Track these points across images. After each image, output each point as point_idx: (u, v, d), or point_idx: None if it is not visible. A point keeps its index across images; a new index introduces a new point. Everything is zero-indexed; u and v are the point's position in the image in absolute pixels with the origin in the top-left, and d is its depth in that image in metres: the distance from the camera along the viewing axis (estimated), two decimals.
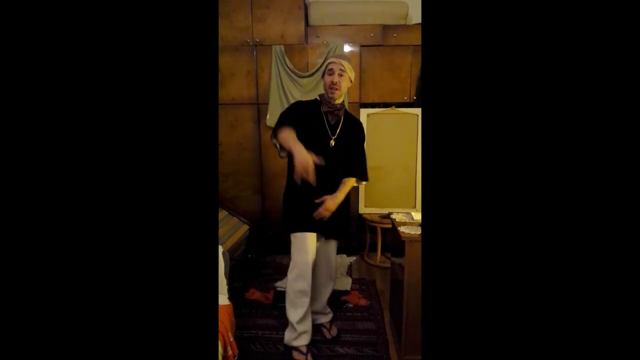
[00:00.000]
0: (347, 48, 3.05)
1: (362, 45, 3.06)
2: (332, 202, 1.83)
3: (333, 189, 1.86)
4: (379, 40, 3.06)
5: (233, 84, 3.12)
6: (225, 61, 3.07)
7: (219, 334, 1.58)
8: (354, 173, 1.95)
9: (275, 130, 1.82)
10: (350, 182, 1.93)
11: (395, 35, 3.06)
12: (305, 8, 3.09)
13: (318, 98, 1.91)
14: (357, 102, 3.11)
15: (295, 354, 1.96)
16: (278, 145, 1.86)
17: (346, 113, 1.96)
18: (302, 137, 1.71)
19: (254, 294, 2.61)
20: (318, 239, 1.96)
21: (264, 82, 3.11)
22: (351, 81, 1.87)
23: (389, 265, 2.77)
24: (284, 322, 2.22)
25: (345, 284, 2.75)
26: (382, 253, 3.15)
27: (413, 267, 1.83)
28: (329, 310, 2.20)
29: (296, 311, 1.93)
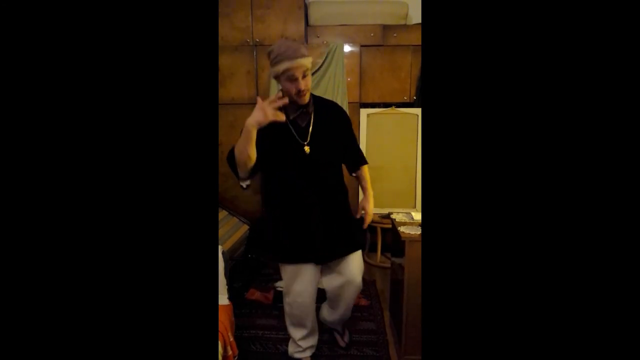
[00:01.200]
0: (347, 48, 3.05)
1: (362, 45, 3.05)
2: (370, 205, 1.71)
3: (321, 197, 1.60)
4: (379, 40, 3.06)
5: (233, 84, 3.12)
6: (225, 61, 3.06)
7: (219, 334, 1.58)
8: (360, 162, 1.77)
9: (230, 163, 1.55)
10: (366, 172, 1.76)
11: (395, 35, 3.06)
12: (305, 8, 3.09)
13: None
14: (357, 102, 3.11)
15: None
16: (239, 170, 1.54)
17: (317, 105, 1.61)
18: (270, 157, 1.52)
19: (254, 294, 2.61)
20: (323, 267, 1.71)
21: (264, 82, 3.10)
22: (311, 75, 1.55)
23: (389, 265, 2.77)
24: (284, 322, 2.19)
25: None
26: (382, 253, 3.15)
27: (413, 267, 1.83)
28: (348, 315, 1.98)
29: (298, 332, 1.81)
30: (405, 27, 3.09)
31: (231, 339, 1.69)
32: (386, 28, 3.06)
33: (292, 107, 1.55)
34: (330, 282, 1.75)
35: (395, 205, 3.12)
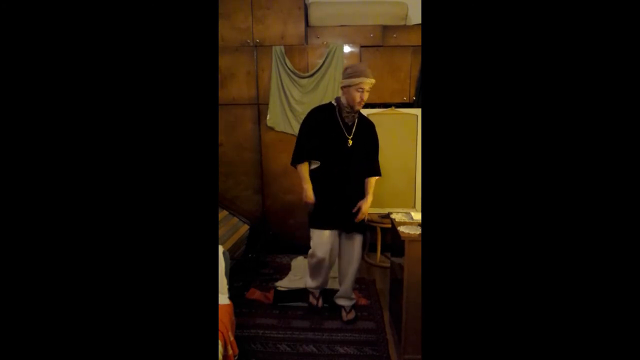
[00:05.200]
0: (347, 49, 3.05)
1: (362, 46, 3.06)
2: (366, 206, 2.18)
3: (352, 182, 2.16)
4: (378, 41, 3.07)
5: (233, 85, 3.13)
6: (225, 62, 3.07)
7: (219, 333, 1.59)
8: (374, 172, 2.23)
9: (295, 156, 2.18)
10: (373, 182, 2.22)
11: (395, 35, 3.06)
12: (305, 9, 3.10)
13: (334, 103, 2.16)
14: None
15: (311, 297, 2.42)
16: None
17: (360, 114, 2.20)
18: (321, 143, 2.11)
19: (254, 294, 2.62)
20: (340, 234, 2.26)
21: (264, 83, 3.11)
22: None
23: (389, 265, 2.77)
24: (284, 322, 2.28)
25: None
26: (381, 253, 3.15)
27: (413, 267, 1.84)
28: (352, 296, 2.39)
29: (313, 282, 2.36)
30: (405, 28, 3.10)
31: (231, 339, 1.69)
32: (386, 29, 3.06)
33: (346, 110, 2.12)
34: (344, 248, 2.31)
35: (395, 205, 3.13)
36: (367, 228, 2.39)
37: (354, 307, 2.39)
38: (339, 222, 2.19)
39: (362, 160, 2.17)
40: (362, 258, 2.97)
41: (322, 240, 2.19)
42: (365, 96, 2.04)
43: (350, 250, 2.28)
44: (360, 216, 2.17)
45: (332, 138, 2.11)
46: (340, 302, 2.38)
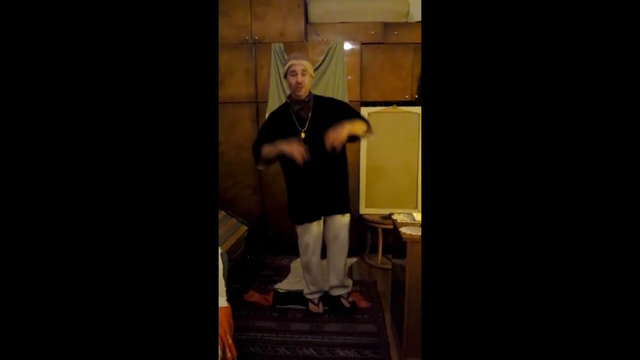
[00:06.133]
0: (347, 46, 3.02)
1: (362, 43, 3.02)
2: (334, 133, 1.94)
3: (316, 172, 2.10)
4: (379, 38, 3.03)
5: (232, 83, 3.09)
6: (224, 59, 3.03)
7: (218, 336, 1.55)
8: (355, 117, 2.12)
9: (255, 151, 2.17)
10: (349, 124, 1.99)
11: (396, 33, 3.02)
12: (305, 5, 3.06)
13: (287, 100, 2.20)
14: (358, 100, 3.07)
15: (310, 305, 2.41)
16: (260, 161, 2.19)
17: (317, 101, 2.16)
18: (270, 138, 2.07)
19: (253, 296, 2.59)
20: (321, 220, 2.27)
21: (263, 81, 3.07)
22: (311, 77, 2.12)
23: (390, 266, 2.74)
24: (284, 324, 2.30)
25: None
26: (383, 254, 3.12)
27: (414, 269, 1.81)
28: (347, 282, 2.47)
29: (308, 276, 2.40)
30: (407, 25, 3.06)
31: (230, 342, 1.66)
32: (387, 26, 3.02)
33: (295, 102, 2.13)
34: (326, 233, 2.34)
35: (397, 205, 3.09)
36: (349, 208, 2.31)
37: (350, 294, 2.47)
38: (315, 212, 2.22)
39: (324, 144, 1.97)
40: (363, 258, 3.15)
41: (306, 229, 2.25)
42: (304, 80, 2.04)
43: (336, 235, 2.28)
44: (329, 140, 1.93)
45: (285, 135, 2.08)
46: (336, 292, 2.41)
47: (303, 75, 2.04)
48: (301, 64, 2.03)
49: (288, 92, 2.22)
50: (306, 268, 2.38)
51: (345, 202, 2.27)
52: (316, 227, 2.26)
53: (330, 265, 2.38)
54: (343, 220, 2.27)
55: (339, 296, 2.42)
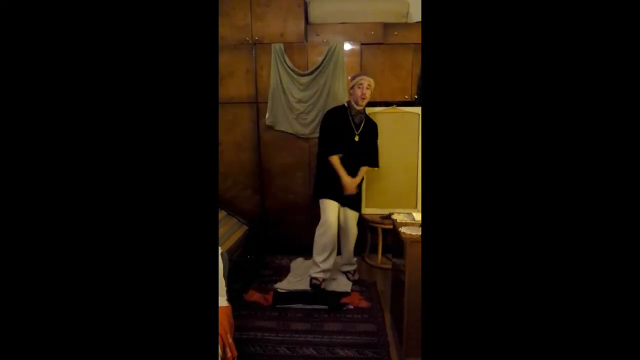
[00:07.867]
0: (347, 46, 3.02)
1: (362, 44, 3.02)
2: (350, 182, 2.58)
3: (355, 171, 2.62)
4: (379, 39, 3.03)
5: (232, 83, 3.09)
6: (224, 60, 3.03)
7: (218, 336, 1.56)
8: (368, 163, 2.69)
9: (327, 150, 2.60)
10: (365, 169, 2.69)
11: (396, 33, 3.03)
12: (305, 6, 3.06)
13: (345, 104, 2.62)
14: None
15: (313, 280, 2.64)
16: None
17: (366, 115, 2.67)
18: (335, 136, 2.55)
19: (253, 295, 2.59)
20: (339, 212, 2.70)
21: (263, 81, 3.08)
22: (371, 92, 2.54)
23: (390, 266, 2.74)
24: (284, 324, 2.25)
25: (346, 285, 2.72)
26: (383, 254, 3.12)
27: (414, 268, 1.81)
28: (354, 260, 2.89)
29: (320, 256, 2.63)
30: (406, 25, 3.06)
31: (230, 341, 1.66)
32: (387, 26, 3.03)
33: (354, 108, 2.57)
34: (341, 224, 2.75)
35: (397, 205, 3.09)
36: (360, 209, 2.85)
37: (356, 270, 2.91)
38: (342, 196, 2.62)
39: (364, 152, 2.63)
40: (363, 258, 3.35)
41: (330, 206, 2.62)
42: (367, 93, 2.49)
43: (348, 223, 2.75)
44: (347, 188, 2.58)
45: (343, 133, 2.57)
46: (345, 268, 2.88)
47: (368, 89, 2.47)
48: (369, 81, 2.47)
49: (347, 99, 2.71)
50: (322, 248, 2.63)
51: (359, 203, 2.80)
52: (336, 206, 2.66)
53: (343, 249, 2.83)
54: (354, 215, 2.77)
55: (347, 272, 2.86)
